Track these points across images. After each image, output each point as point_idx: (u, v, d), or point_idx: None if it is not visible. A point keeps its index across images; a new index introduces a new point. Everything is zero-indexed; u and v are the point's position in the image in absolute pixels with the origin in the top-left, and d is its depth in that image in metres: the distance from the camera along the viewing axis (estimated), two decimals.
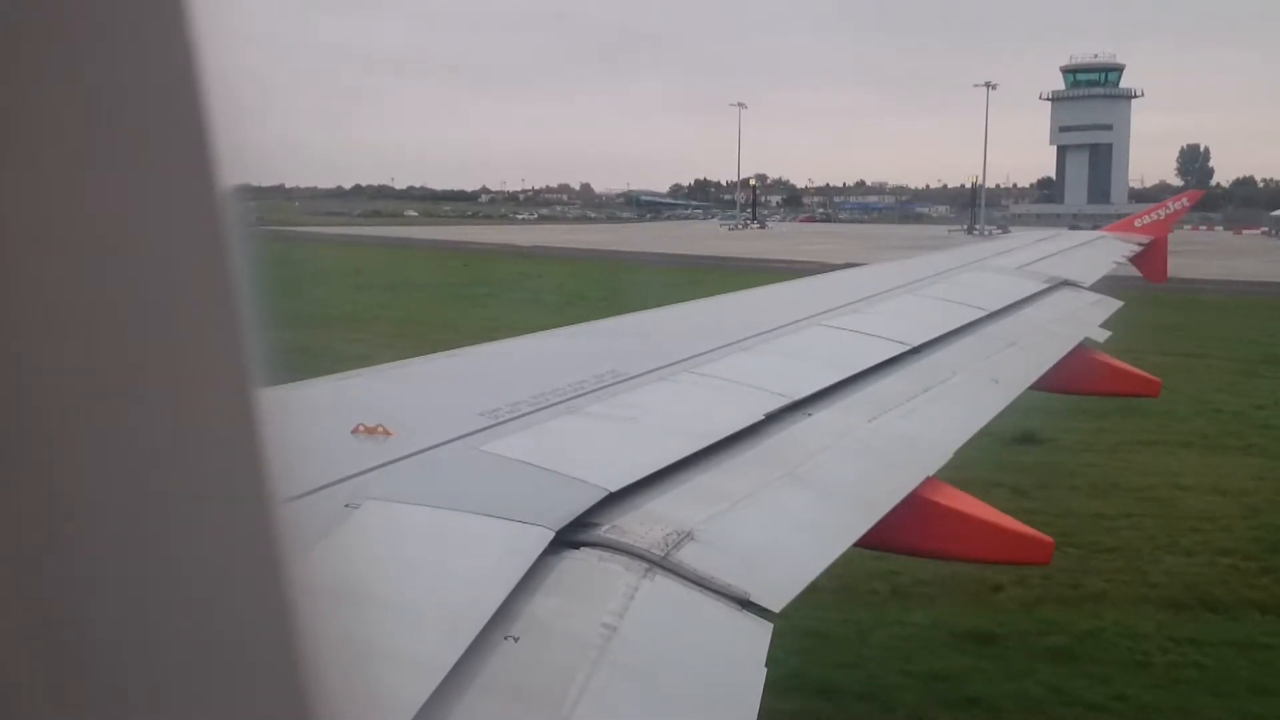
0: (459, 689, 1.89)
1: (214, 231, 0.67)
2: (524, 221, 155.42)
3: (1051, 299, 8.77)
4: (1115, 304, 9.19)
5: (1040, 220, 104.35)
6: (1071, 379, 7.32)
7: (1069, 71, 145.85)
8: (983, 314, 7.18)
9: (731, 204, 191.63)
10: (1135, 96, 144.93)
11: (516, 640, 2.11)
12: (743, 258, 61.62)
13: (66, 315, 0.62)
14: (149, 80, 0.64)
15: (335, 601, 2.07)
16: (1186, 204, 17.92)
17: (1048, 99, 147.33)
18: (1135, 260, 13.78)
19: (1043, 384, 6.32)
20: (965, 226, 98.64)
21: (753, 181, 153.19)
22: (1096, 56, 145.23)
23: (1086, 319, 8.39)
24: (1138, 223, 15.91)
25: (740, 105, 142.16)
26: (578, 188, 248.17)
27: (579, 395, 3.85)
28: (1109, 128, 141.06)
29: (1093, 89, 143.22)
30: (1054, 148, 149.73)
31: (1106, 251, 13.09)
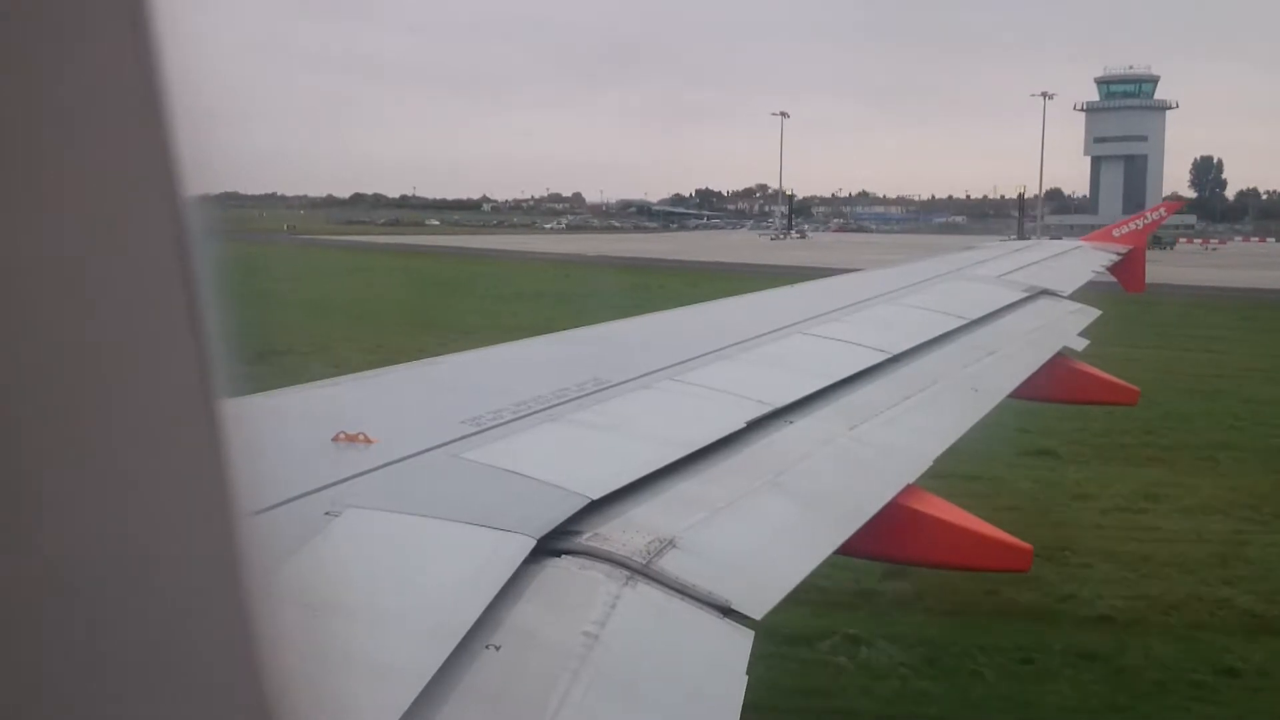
0: (440, 698, 1.88)
1: (175, 238, 0.65)
2: (554, 231, 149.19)
3: (1031, 308, 8.84)
4: (1094, 313, 9.26)
5: (1075, 230, 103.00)
6: (1050, 387, 7.37)
7: (1103, 83, 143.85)
8: (963, 323, 7.23)
9: (739, 214, 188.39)
10: (1170, 108, 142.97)
11: (498, 649, 2.10)
12: (826, 268, 59.10)
13: (20, 322, 0.61)
14: (109, 85, 0.63)
15: (315, 610, 2.06)
16: (1165, 214, 18.11)
17: (1082, 110, 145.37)
18: (1114, 270, 13.88)
19: (1022, 392, 6.36)
20: (1014, 235, 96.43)
21: (790, 192, 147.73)
22: (1131, 68, 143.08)
23: (1065, 328, 8.45)
24: (1116, 232, 16.03)
25: (783, 115, 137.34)
26: (569, 196, 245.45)
27: (561, 403, 3.85)
28: (1144, 139, 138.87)
29: (1127, 100, 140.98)
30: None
31: (1085, 261, 13.20)
